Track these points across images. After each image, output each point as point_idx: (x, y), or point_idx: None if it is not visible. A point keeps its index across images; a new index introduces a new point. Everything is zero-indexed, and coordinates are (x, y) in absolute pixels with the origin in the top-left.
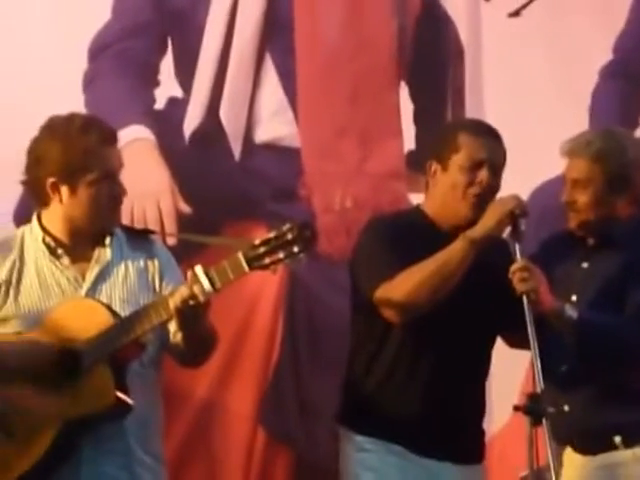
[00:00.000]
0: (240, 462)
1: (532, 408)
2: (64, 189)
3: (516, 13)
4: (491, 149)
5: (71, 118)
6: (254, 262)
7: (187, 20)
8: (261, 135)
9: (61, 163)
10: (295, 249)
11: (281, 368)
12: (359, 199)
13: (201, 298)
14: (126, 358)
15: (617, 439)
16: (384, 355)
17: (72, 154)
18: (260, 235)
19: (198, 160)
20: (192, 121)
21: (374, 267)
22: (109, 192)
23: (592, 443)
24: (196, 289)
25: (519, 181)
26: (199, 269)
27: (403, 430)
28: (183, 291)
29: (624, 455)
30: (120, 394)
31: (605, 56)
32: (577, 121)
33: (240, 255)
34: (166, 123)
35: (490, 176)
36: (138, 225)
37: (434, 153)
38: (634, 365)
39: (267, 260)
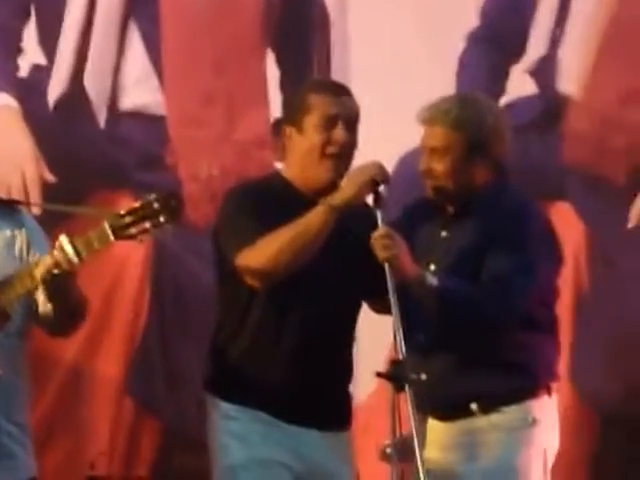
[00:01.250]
0: (107, 430)
1: (394, 374)
2: None
3: None
4: (343, 104)
5: None
6: (120, 232)
7: None
8: (126, 103)
9: None
10: (161, 219)
11: (148, 337)
12: (225, 167)
13: (66, 267)
14: None
15: (473, 406)
16: (249, 322)
17: None
18: (126, 203)
19: (63, 128)
20: (56, 89)
21: (235, 234)
22: None
23: (450, 410)
24: (60, 258)
25: (386, 147)
26: (64, 238)
27: (268, 397)
28: (47, 260)
29: (481, 422)
30: None
31: (472, 21)
32: (445, 86)
33: (106, 224)
34: (30, 91)
35: (346, 133)
36: (1, 193)
37: (288, 118)
38: (490, 333)
39: (133, 230)
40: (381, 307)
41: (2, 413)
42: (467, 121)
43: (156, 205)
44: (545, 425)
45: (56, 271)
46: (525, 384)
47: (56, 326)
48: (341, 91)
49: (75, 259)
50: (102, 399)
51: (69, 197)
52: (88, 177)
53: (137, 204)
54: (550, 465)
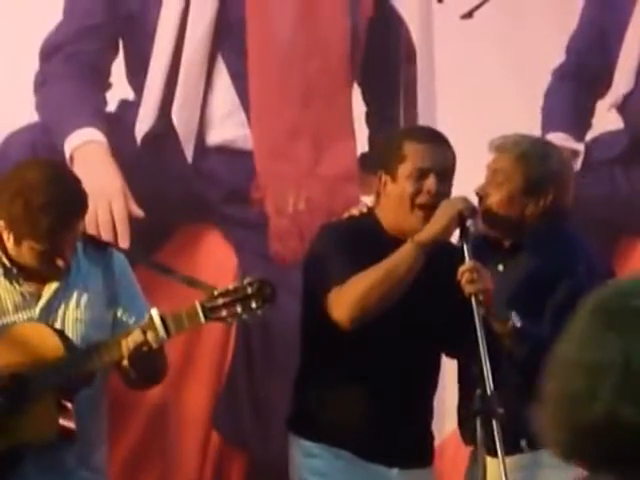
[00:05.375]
0: (194, 466)
1: (481, 409)
2: (9, 236)
3: (469, 14)
4: (437, 156)
5: (37, 187)
6: (211, 313)
7: (138, 22)
8: (213, 137)
9: (10, 220)
10: (253, 304)
11: (235, 371)
12: (312, 202)
13: (154, 345)
14: (75, 388)
15: (523, 443)
16: (332, 359)
17: (22, 223)
18: (212, 238)
19: (150, 163)
20: (144, 123)
21: (326, 272)
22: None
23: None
24: (150, 336)
25: (472, 184)
26: (155, 314)
27: (351, 435)
28: (137, 336)
29: (530, 458)
30: (63, 421)
31: (558, 57)
32: (530, 123)
33: (197, 304)
34: (118, 126)
35: (437, 184)
36: (89, 228)
37: (382, 164)
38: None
39: (224, 312)
40: (454, 351)
41: (78, 459)
42: (533, 157)
43: (249, 290)
44: None
45: (144, 349)
46: None
47: (133, 385)
48: (437, 140)
49: (164, 338)
50: (189, 434)
51: (156, 231)
52: (175, 212)
53: (231, 286)
54: None
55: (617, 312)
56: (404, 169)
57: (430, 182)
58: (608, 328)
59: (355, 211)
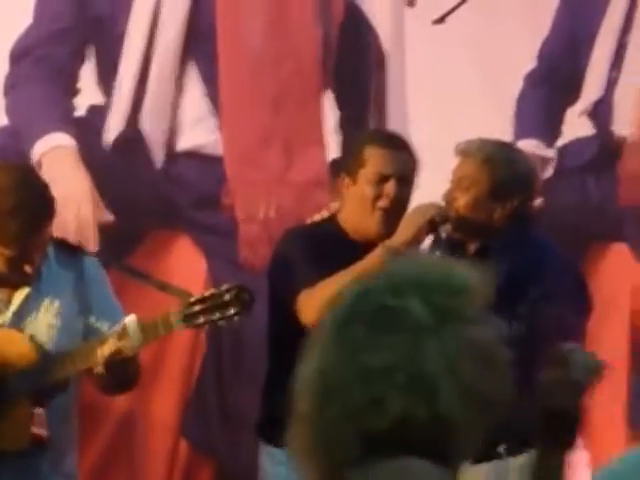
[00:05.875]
0: (162, 473)
1: None
2: None
3: (441, 20)
4: (397, 161)
5: (6, 191)
6: (188, 320)
7: (108, 26)
8: (184, 143)
9: None
10: (231, 311)
11: (204, 378)
12: (282, 208)
13: (129, 354)
14: (50, 395)
15: (501, 449)
16: (298, 365)
17: None
18: (182, 244)
19: (120, 168)
20: (113, 128)
21: (294, 277)
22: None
23: (479, 452)
24: (125, 344)
25: (443, 189)
26: (130, 321)
27: None
28: (112, 344)
29: (509, 464)
30: (36, 428)
31: (530, 63)
32: (502, 128)
33: (174, 311)
34: (87, 130)
35: (397, 189)
36: (57, 233)
37: (344, 167)
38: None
39: (201, 319)
40: None
41: (51, 465)
42: (499, 161)
43: (227, 296)
44: (577, 467)
45: (119, 357)
46: None
47: (106, 391)
48: (398, 145)
49: (139, 345)
50: (157, 441)
51: (126, 236)
52: (145, 217)
53: (208, 293)
54: None
55: (372, 313)
56: (365, 173)
57: (390, 187)
58: (374, 331)
59: (317, 217)
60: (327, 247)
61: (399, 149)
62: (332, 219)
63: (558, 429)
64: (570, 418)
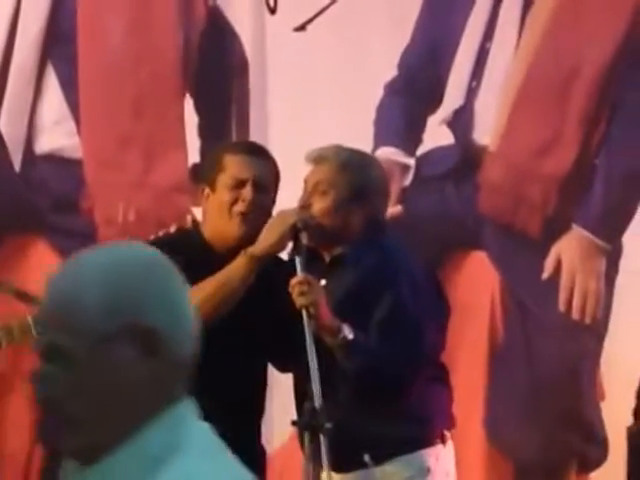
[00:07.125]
0: (18, 475)
1: (309, 423)
2: None
3: (302, 27)
4: (254, 166)
5: None
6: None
7: None
8: (42, 145)
9: None
10: None
11: None
12: (142, 212)
13: None
14: None
15: (366, 457)
16: None
17: None
18: (41, 247)
19: None
20: None
21: None
22: None
23: (344, 461)
24: None
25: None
26: None
27: None
28: None
29: (376, 473)
30: None
31: (390, 72)
32: (363, 135)
33: (30, 319)
34: None
35: (254, 193)
36: None
37: (204, 176)
38: (388, 387)
39: None
40: (284, 365)
41: None
42: (354, 165)
43: None
44: (440, 474)
45: None
46: (418, 433)
47: None
48: (256, 152)
49: None
50: (13, 442)
51: None
52: (2, 221)
53: None
54: None
55: None
56: (222, 179)
57: (247, 191)
58: None
59: (176, 226)
60: (189, 257)
61: (257, 155)
62: (194, 228)
63: None
64: None
